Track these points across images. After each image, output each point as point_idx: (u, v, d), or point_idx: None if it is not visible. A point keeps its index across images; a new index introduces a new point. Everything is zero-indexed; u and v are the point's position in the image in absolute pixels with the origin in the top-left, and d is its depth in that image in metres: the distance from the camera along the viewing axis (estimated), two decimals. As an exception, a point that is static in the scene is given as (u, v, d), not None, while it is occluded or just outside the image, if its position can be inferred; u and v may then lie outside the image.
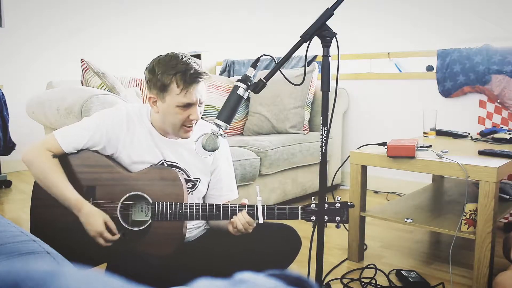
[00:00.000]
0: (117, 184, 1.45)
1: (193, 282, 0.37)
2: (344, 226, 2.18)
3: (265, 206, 1.43)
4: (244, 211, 1.41)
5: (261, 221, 1.41)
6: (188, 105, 1.41)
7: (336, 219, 1.42)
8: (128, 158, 1.49)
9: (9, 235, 0.91)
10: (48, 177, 1.42)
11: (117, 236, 1.41)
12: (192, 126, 1.46)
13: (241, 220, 1.40)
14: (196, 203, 1.43)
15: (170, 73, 1.37)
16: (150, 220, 1.42)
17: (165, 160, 1.51)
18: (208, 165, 1.57)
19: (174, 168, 1.50)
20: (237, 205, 1.43)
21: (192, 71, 1.38)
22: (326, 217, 1.39)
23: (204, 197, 1.63)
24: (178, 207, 1.41)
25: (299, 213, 1.43)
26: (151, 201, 1.42)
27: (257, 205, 1.41)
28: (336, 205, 1.42)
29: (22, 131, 3.68)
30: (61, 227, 1.46)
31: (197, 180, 1.55)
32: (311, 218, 1.42)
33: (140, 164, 1.48)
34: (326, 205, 1.39)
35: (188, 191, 1.52)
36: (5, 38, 4.07)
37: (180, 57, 1.40)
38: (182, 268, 1.44)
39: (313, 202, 1.44)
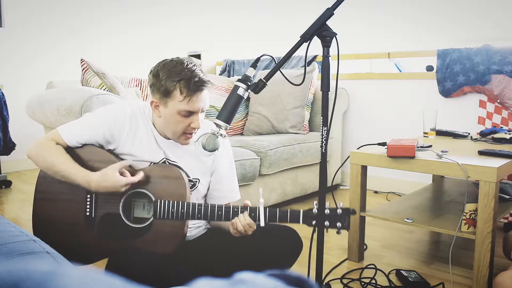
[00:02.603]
0: None
1: (193, 282, 0.37)
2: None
3: (267, 208, 1.42)
4: (246, 213, 1.41)
5: (262, 224, 1.40)
6: (190, 113, 1.41)
7: (338, 225, 1.41)
8: (129, 154, 1.50)
9: (9, 235, 0.91)
10: (53, 162, 1.43)
11: (140, 175, 1.41)
12: (192, 134, 1.47)
13: (242, 221, 1.39)
14: (198, 203, 1.43)
15: (175, 79, 1.37)
16: (152, 218, 1.42)
17: (166, 159, 1.52)
18: (208, 166, 1.57)
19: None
20: (239, 207, 1.43)
21: (196, 79, 1.37)
22: (327, 223, 1.37)
23: (205, 198, 1.63)
24: (181, 206, 1.41)
25: (301, 217, 1.41)
26: (153, 198, 1.43)
27: (259, 208, 1.40)
28: (338, 210, 1.41)
29: (22, 131, 3.68)
30: (63, 221, 1.47)
31: (197, 181, 1.56)
32: (312, 222, 1.41)
33: (140, 162, 1.49)
34: (328, 211, 1.38)
35: None
36: (5, 38, 4.07)
37: (186, 64, 1.40)
38: (182, 267, 1.44)
39: (316, 207, 1.43)
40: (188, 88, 1.37)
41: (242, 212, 1.41)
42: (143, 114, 1.53)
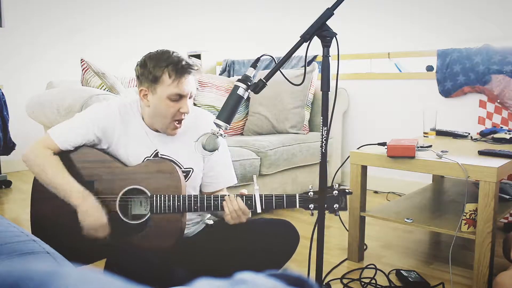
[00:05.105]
0: (115, 179, 1.47)
1: (193, 282, 0.37)
2: (344, 225, 2.19)
3: (263, 195, 1.43)
4: (237, 198, 1.42)
5: (259, 210, 1.41)
6: (179, 97, 1.44)
7: (335, 206, 1.42)
8: (123, 150, 1.50)
9: (9, 235, 0.91)
10: (47, 173, 1.43)
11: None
12: (181, 122, 1.49)
13: (230, 207, 1.40)
14: (194, 195, 1.44)
15: (162, 65, 1.41)
16: (149, 213, 1.43)
17: (158, 152, 1.53)
18: None
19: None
20: (236, 195, 1.44)
21: (184, 63, 1.42)
22: (324, 205, 1.38)
23: (200, 186, 1.63)
24: (177, 199, 1.42)
25: (297, 201, 1.43)
26: (149, 194, 1.43)
27: (254, 195, 1.42)
28: (334, 192, 1.42)
29: (22, 131, 3.68)
30: (61, 221, 1.47)
31: (190, 170, 1.57)
32: (309, 206, 1.42)
33: (135, 157, 1.50)
34: None
35: None
36: (5, 38, 4.07)
37: (171, 52, 1.45)
38: (181, 264, 1.44)
39: (311, 190, 1.45)
40: (176, 71, 1.41)
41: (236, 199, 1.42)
42: (132, 109, 1.55)
